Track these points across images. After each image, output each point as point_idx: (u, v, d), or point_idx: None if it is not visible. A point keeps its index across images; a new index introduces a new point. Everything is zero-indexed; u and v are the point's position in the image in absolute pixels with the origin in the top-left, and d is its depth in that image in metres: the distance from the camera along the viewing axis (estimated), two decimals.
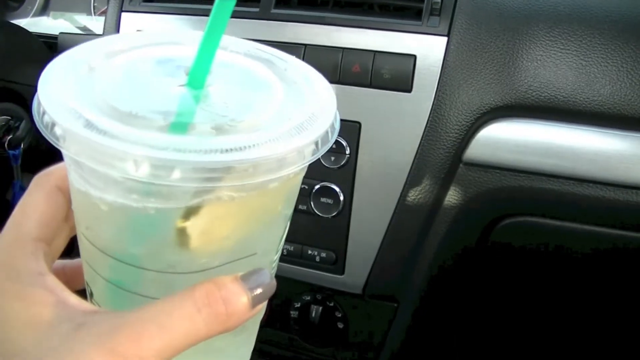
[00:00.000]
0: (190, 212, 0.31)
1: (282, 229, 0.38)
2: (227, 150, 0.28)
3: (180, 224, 0.31)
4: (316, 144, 0.32)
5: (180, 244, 0.32)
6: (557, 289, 0.86)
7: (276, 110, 0.33)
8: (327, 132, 0.32)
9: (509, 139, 0.73)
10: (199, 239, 0.32)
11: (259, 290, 0.32)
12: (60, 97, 0.31)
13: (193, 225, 0.31)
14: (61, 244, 0.37)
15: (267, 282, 0.33)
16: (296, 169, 0.31)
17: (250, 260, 0.35)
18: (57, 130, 0.30)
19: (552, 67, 0.72)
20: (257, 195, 0.32)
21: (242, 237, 0.34)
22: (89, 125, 0.29)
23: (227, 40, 0.38)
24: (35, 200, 0.36)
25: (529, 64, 0.72)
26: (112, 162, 0.28)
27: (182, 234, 0.31)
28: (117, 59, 0.35)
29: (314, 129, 0.31)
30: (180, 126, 0.30)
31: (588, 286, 0.84)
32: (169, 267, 0.33)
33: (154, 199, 0.30)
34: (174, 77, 0.34)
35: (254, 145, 0.29)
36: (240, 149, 0.28)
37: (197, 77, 0.34)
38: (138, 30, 0.91)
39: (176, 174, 0.28)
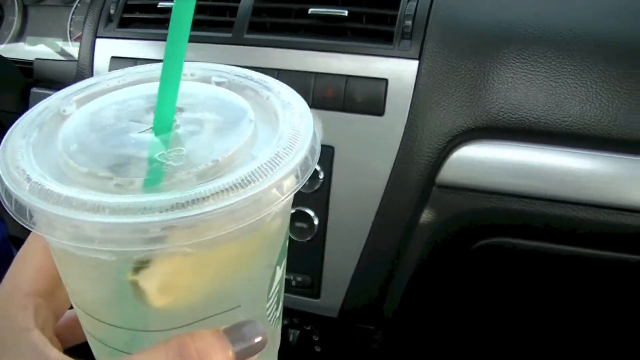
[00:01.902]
0: (139, 266, 0.28)
1: (267, 278, 0.33)
2: (167, 209, 0.25)
3: (130, 277, 0.28)
4: (279, 188, 0.28)
5: (139, 299, 0.29)
6: (534, 304, 0.85)
7: (242, 152, 0.30)
8: (295, 176, 0.29)
9: (481, 161, 0.72)
10: (159, 295, 0.29)
11: (244, 344, 0.29)
12: (13, 159, 0.29)
13: (145, 280, 0.28)
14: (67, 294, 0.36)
15: (254, 334, 0.30)
16: (259, 218, 0.28)
17: (233, 313, 0.31)
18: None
19: (522, 89, 0.71)
20: (222, 248, 0.29)
21: (214, 291, 0.31)
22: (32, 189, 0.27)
23: (211, 68, 0.36)
24: (32, 252, 0.35)
25: (500, 86, 0.71)
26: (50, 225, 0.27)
27: (136, 288, 0.28)
28: (88, 106, 0.33)
29: (277, 171, 0.28)
30: (128, 183, 0.28)
31: (565, 300, 0.83)
32: (143, 325, 0.30)
33: (104, 250, 0.27)
34: (142, 122, 0.32)
35: (202, 198, 0.26)
36: (184, 205, 0.25)
37: (161, 121, 0.31)
38: (113, 57, 0.89)
39: (106, 237, 0.26)
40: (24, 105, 1.03)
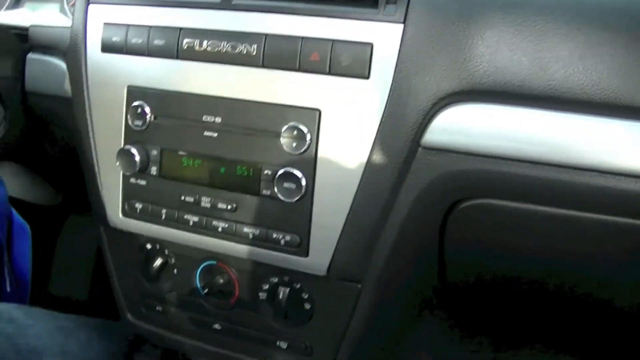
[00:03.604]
0: None
1: None
2: None
3: None
4: None
5: None
6: (519, 264, 0.86)
7: None
8: None
9: (466, 124, 0.72)
10: None
11: None
12: None
13: None
14: None
15: None
16: None
17: None
18: None
19: (507, 53, 0.70)
20: None
21: None
22: None
23: None
24: None
25: (484, 49, 0.71)
26: None
27: None
28: None
29: None
30: None
31: (546, 267, 0.84)
32: None
33: None
34: None
35: None
36: None
37: None
38: (105, 23, 0.89)
39: None
40: (21, 71, 1.03)
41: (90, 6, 0.91)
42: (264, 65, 0.78)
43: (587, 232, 0.75)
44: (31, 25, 1.05)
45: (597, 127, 0.69)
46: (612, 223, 0.73)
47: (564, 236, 0.77)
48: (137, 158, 0.85)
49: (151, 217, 0.88)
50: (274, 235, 0.81)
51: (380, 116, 0.73)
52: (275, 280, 0.87)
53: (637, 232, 0.72)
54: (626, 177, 0.68)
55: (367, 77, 0.73)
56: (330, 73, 0.75)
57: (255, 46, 0.78)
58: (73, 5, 0.97)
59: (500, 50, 0.70)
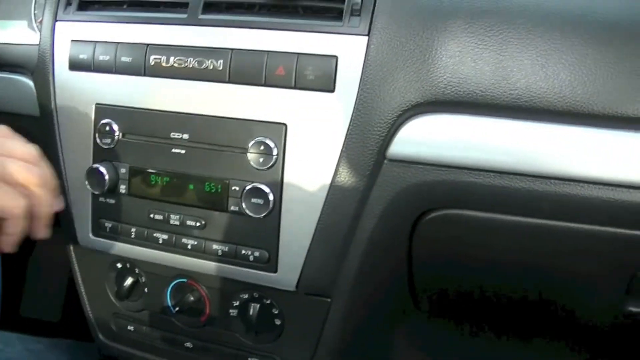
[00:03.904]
0: None
1: None
2: None
3: None
4: None
5: None
6: (487, 278, 0.86)
7: None
8: None
9: (430, 135, 0.72)
10: None
11: None
12: None
13: None
14: None
15: None
16: None
17: None
18: None
19: (469, 63, 0.71)
20: None
21: None
22: None
23: None
24: None
25: (448, 60, 0.71)
26: None
27: None
28: None
29: None
30: None
31: (515, 276, 0.84)
32: None
33: None
34: None
35: None
36: None
37: None
38: (73, 40, 0.89)
39: None
40: None
41: (58, 23, 0.91)
42: (230, 81, 0.78)
43: (553, 239, 0.75)
44: None
45: (559, 134, 0.69)
46: (575, 230, 0.73)
47: (531, 244, 0.77)
48: (106, 177, 0.85)
49: (121, 235, 0.87)
50: (243, 252, 0.80)
51: (345, 129, 0.74)
52: (246, 296, 0.86)
53: (602, 237, 0.73)
54: (589, 184, 0.69)
55: (332, 91, 0.74)
56: (295, 87, 0.75)
57: (221, 61, 0.78)
58: (40, 22, 0.97)
59: (464, 60, 0.71)
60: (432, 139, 0.72)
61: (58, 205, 0.72)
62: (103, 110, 0.86)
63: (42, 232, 0.69)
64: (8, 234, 0.65)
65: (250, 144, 0.77)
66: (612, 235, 0.73)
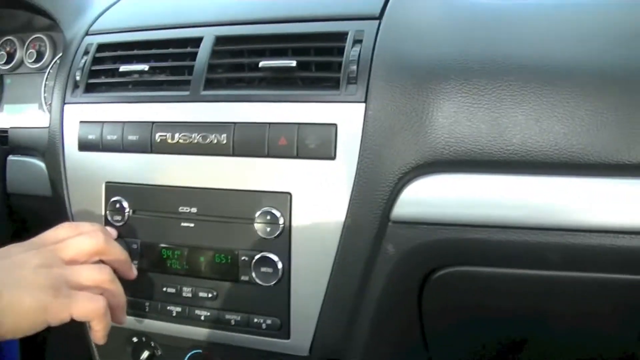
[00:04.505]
0: None
1: None
2: None
3: None
4: None
5: None
6: (500, 330, 0.86)
7: None
8: None
9: (432, 195, 0.74)
10: None
11: None
12: None
13: None
14: None
15: None
16: None
17: None
18: None
19: (465, 122, 0.73)
20: None
21: None
22: None
23: None
24: None
25: (444, 120, 0.73)
26: None
27: None
28: None
29: None
30: None
31: (527, 325, 0.84)
32: None
33: None
34: None
35: None
36: None
37: None
38: (81, 122, 0.92)
39: None
40: (2, 173, 1.05)
41: (66, 106, 0.94)
42: (234, 154, 0.80)
43: (562, 290, 0.76)
44: (10, 128, 1.07)
45: (557, 186, 0.71)
46: (584, 279, 0.74)
47: (541, 296, 0.78)
48: None
49: (135, 310, 0.89)
50: (255, 320, 0.81)
51: (349, 194, 0.75)
52: None
53: (611, 284, 0.74)
54: (591, 232, 0.70)
55: (334, 158, 0.76)
56: (298, 156, 0.77)
57: (224, 135, 0.81)
58: (50, 105, 1.00)
59: (459, 120, 0.73)
60: (434, 199, 0.74)
61: (133, 274, 0.84)
62: (113, 188, 0.89)
63: (122, 318, 0.79)
64: (96, 331, 0.72)
65: (257, 214, 0.79)
66: (621, 282, 0.74)
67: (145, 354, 0.93)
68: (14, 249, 0.72)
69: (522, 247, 0.72)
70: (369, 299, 0.78)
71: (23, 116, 1.16)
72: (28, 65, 1.18)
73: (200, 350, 0.90)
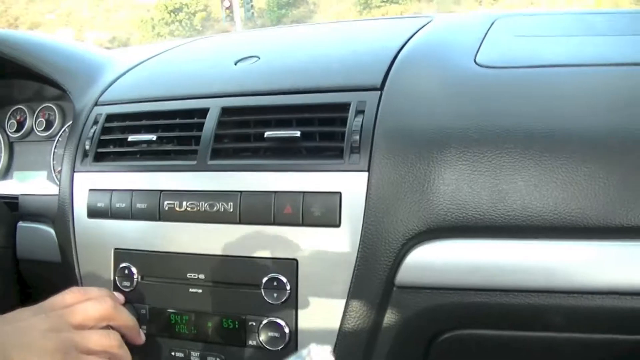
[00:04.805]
0: None
1: None
2: None
3: None
4: None
5: None
6: None
7: None
8: None
9: (435, 260, 0.75)
10: None
11: None
12: None
13: None
14: None
15: None
16: None
17: None
18: None
19: (466, 189, 0.75)
20: None
21: None
22: None
23: None
24: None
25: (445, 188, 0.75)
26: None
27: None
28: None
29: None
30: None
31: None
32: None
33: None
34: None
35: None
36: None
37: None
38: (90, 190, 0.94)
39: None
40: (12, 239, 1.07)
41: (76, 174, 0.97)
42: (241, 222, 0.82)
43: (565, 351, 0.77)
44: (21, 195, 1.10)
45: (557, 250, 0.73)
46: (588, 340, 0.75)
47: (546, 358, 0.79)
48: None
49: None
50: None
51: (354, 261, 0.77)
52: None
53: (615, 345, 0.75)
54: (593, 294, 0.72)
55: (338, 225, 0.77)
56: (303, 224, 0.79)
57: (231, 204, 0.83)
58: (59, 172, 1.02)
59: (460, 187, 0.75)
60: (437, 264, 0.75)
61: (141, 339, 0.85)
62: (122, 254, 0.90)
63: None
64: None
65: (263, 281, 0.80)
66: (623, 343, 0.75)
67: None
68: (23, 313, 0.74)
69: (524, 310, 0.74)
70: None
71: (32, 183, 1.18)
72: (37, 133, 1.20)
73: None
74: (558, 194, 0.72)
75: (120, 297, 0.87)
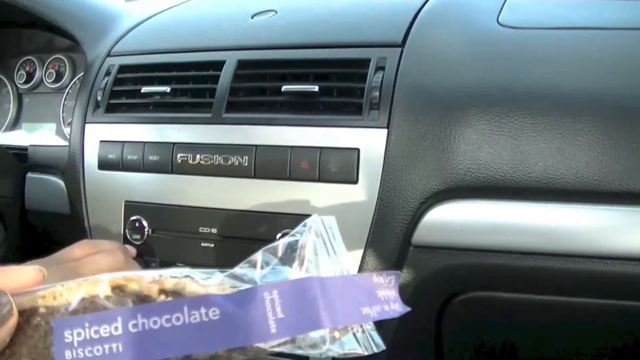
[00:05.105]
0: None
1: None
2: None
3: None
4: None
5: None
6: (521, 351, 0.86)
7: None
8: None
9: (454, 220, 0.74)
10: None
11: None
12: None
13: None
14: None
15: None
16: None
17: None
18: None
19: (487, 149, 0.73)
20: None
21: None
22: None
23: None
24: None
25: (466, 147, 0.73)
26: None
27: None
28: None
29: None
30: None
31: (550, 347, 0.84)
32: None
33: None
34: None
35: None
36: None
37: None
38: (101, 141, 0.92)
39: None
40: (21, 190, 1.06)
41: (87, 125, 0.95)
42: (255, 176, 0.80)
43: (582, 316, 0.76)
44: (30, 145, 1.08)
45: (579, 214, 0.71)
46: (606, 306, 0.74)
47: (562, 322, 0.78)
48: None
49: None
50: None
51: (370, 219, 0.75)
52: None
53: (630, 313, 0.73)
54: (612, 260, 0.70)
55: (356, 182, 0.76)
56: (319, 180, 0.77)
57: (246, 158, 0.81)
58: (70, 124, 1.00)
59: (481, 147, 0.73)
60: (455, 224, 0.74)
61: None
62: (132, 207, 0.89)
63: None
64: None
65: (277, 237, 0.79)
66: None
67: None
68: (31, 264, 0.72)
69: (542, 274, 0.72)
70: (388, 324, 0.77)
71: (41, 135, 1.17)
72: (47, 85, 1.18)
73: None
74: (581, 157, 0.70)
75: (132, 250, 0.86)
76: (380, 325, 0.77)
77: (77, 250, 0.76)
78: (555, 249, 0.71)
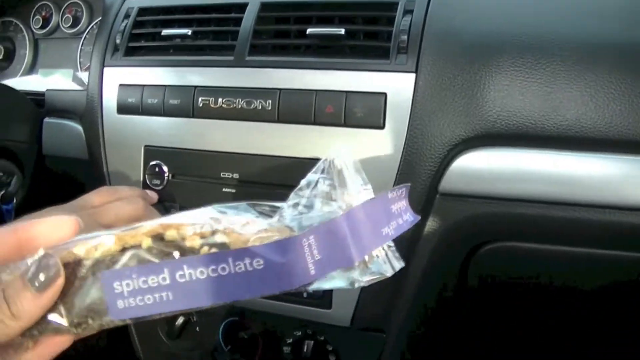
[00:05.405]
0: None
1: None
2: None
3: None
4: None
5: None
6: (542, 304, 0.85)
7: None
8: None
9: (482, 168, 0.72)
10: None
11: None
12: None
13: None
14: None
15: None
16: None
17: None
18: None
19: (518, 96, 0.71)
20: None
21: None
22: None
23: None
24: None
25: (496, 94, 0.71)
26: None
27: None
28: None
29: None
30: None
31: (572, 306, 0.83)
32: None
33: None
34: None
35: None
36: None
37: None
38: (120, 85, 0.90)
39: None
40: (38, 135, 1.04)
41: (106, 69, 0.92)
42: (279, 120, 0.78)
43: (611, 268, 0.74)
44: (47, 90, 1.06)
45: (611, 164, 0.69)
46: (633, 259, 0.72)
47: (588, 274, 0.76)
48: None
49: None
50: None
51: (397, 165, 0.73)
52: (299, 334, 0.85)
53: None
54: None
55: (382, 127, 0.74)
56: (345, 125, 0.75)
57: (269, 101, 0.79)
58: (87, 69, 0.98)
59: (512, 94, 0.71)
60: (483, 172, 0.72)
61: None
62: (152, 151, 0.87)
63: None
64: None
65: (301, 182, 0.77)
66: None
67: (181, 319, 0.92)
68: (51, 212, 0.70)
69: (569, 224, 0.71)
70: (413, 271, 0.76)
71: (58, 80, 1.14)
72: (64, 30, 1.15)
73: (237, 318, 0.89)
74: (615, 106, 0.68)
75: (154, 195, 0.84)
76: (404, 275, 0.76)
77: (96, 197, 0.74)
78: (585, 199, 0.69)
